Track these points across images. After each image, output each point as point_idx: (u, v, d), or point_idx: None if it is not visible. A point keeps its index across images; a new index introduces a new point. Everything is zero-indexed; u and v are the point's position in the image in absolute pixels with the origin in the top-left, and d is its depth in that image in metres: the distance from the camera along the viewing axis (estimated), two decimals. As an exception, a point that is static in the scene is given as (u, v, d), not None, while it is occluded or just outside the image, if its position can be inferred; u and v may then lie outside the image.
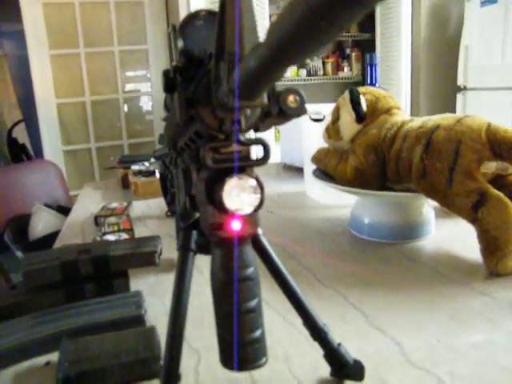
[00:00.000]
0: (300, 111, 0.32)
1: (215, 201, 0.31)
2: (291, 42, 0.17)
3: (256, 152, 0.34)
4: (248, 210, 0.31)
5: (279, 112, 0.31)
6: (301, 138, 1.30)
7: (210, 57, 0.32)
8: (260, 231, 0.42)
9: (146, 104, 3.89)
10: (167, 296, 0.45)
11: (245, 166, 0.31)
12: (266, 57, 0.20)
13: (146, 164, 1.41)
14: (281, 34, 0.18)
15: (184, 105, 0.30)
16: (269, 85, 0.24)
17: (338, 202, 1.14)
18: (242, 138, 0.31)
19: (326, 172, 0.97)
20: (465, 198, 0.71)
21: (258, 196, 0.31)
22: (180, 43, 0.38)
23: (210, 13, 0.37)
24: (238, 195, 0.30)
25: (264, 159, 0.31)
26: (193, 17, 0.37)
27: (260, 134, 0.34)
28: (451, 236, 0.91)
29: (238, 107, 0.27)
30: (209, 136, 0.31)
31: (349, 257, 0.84)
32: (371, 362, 0.51)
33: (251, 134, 0.35)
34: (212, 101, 0.29)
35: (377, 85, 1.39)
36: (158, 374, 0.51)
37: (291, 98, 0.31)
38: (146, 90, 3.81)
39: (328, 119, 0.99)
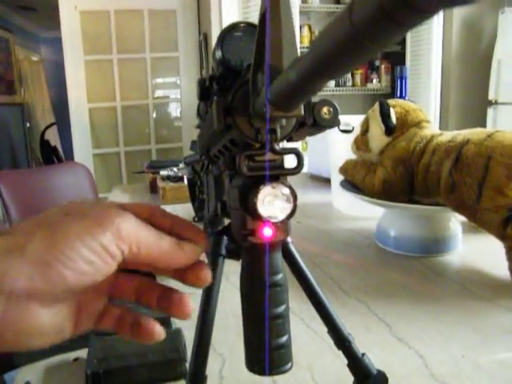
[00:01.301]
0: (333, 123, 0.32)
1: (248, 207, 0.32)
2: (333, 57, 0.18)
3: (287, 161, 0.34)
4: (280, 217, 0.31)
5: (313, 123, 0.32)
6: (328, 148, 1.30)
7: (248, 68, 0.33)
8: (289, 239, 0.42)
9: (174, 110, 3.95)
10: (193, 299, 0.46)
11: (278, 174, 0.32)
12: (308, 70, 0.21)
13: (175, 170, 1.43)
14: (324, 48, 0.18)
15: (222, 113, 0.31)
16: (308, 97, 0.25)
17: (365, 214, 1.13)
18: (276, 147, 0.32)
19: (354, 183, 0.97)
20: (494, 214, 0.71)
21: (291, 204, 0.31)
22: (218, 53, 0.39)
23: (249, 25, 0.38)
24: (271, 202, 0.31)
25: (297, 168, 0.32)
26: (232, 28, 0.38)
27: (290, 144, 0.35)
28: (478, 252, 0.90)
29: (268, 118, 0.28)
30: (244, 144, 0.32)
31: (374, 268, 0.84)
32: (394, 373, 0.51)
33: (284, 144, 0.36)
34: (249, 110, 0.30)
35: (406, 98, 1.38)
36: (183, 376, 0.52)
37: (325, 109, 0.32)
38: (175, 97, 3.87)
39: (357, 131, 1.00)
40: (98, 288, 0.30)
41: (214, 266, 0.44)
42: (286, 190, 0.32)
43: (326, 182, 1.49)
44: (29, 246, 0.25)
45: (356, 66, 0.19)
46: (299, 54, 0.28)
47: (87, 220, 0.27)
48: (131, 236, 0.27)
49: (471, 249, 0.91)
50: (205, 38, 3.28)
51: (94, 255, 0.26)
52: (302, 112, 0.28)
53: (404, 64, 3.29)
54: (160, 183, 1.46)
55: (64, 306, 0.28)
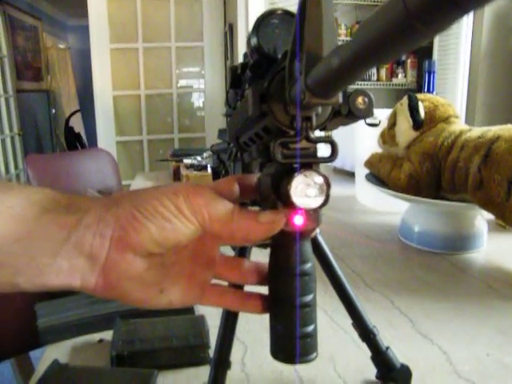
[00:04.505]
0: (368, 113, 0.32)
1: (281, 195, 0.32)
2: (382, 42, 0.18)
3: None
4: (312, 205, 0.31)
5: (348, 112, 0.32)
6: (353, 141, 1.29)
7: (284, 54, 0.33)
8: (318, 230, 0.42)
9: (197, 100, 3.95)
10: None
11: (312, 162, 0.32)
12: (354, 55, 0.20)
13: (199, 158, 1.44)
14: (372, 33, 0.18)
15: (258, 100, 0.31)
16: (349, 83, 0.24)
17: (388, 209, 1.12)
18: (311, 135, 0.32)
19: (379, 177, 0.97)
20: (523, 213, 0.70)
21: (324, 193, 0.31)
22: (254, 40, 0.38)
23: (285, 12, 0.38)
24: (303, 191, 0.31)
25: (331, 157, 0.32)
26: (268, 15, 0.38)
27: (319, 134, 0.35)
28: (504, 250, 0.89)
29: (305, 106, 0.28)
30: (278, 132, 0.32)
31: (397, 263, 0.83)
32: (417, 368, 0.50)
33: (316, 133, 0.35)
34: (285, 98, 0.30)
35: (434, 93, 1.36)
36: (205, 361, 0.53)
37: (360, 99, 0.32)
38: (198, 87, 3.87)
39: (383, 124, 0.99)
40: (202, 261, 0.35)
41: (241, 253, 0.44)
42: (319, 179, 0.31)
43: (350, 175, 1.48)
44: (120, 205, 0.31)
45: (405, 53, 0.18)
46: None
47: (165, 189, 0.31)
48: (201, 204, 0.31)
49: (496, 247, 0.90)
50: (230, 28, 3.27)
51: (170, 213, 0.30)
52: (340, 99, 0.28)
53: (431, 59, 3.23)
54: (183, 171, 1.47)
55: (162, 265, 0.32)
